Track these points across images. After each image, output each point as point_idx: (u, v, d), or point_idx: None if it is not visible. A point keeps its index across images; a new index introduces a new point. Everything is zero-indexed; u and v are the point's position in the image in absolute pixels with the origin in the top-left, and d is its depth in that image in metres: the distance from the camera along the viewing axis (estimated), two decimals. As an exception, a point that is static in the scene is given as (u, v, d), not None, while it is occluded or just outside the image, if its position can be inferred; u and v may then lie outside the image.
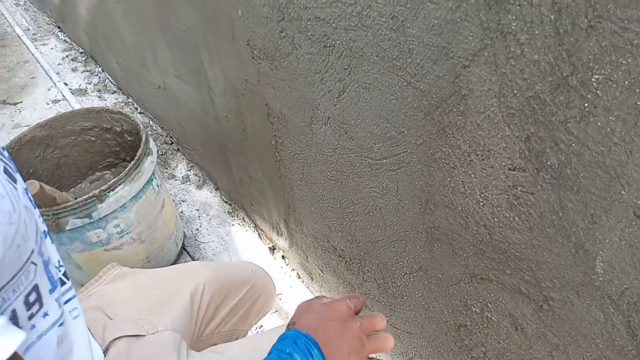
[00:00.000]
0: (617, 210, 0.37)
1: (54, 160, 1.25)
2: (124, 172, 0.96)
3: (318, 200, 0.87)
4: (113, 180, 0.95)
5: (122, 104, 2.12)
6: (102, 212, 0.96)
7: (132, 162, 0.98)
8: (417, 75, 0.48)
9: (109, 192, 0.95)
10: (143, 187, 1.02)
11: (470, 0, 0.39)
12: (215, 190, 1.58)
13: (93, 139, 1.25)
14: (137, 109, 2.04)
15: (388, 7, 0.47)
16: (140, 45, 1.43)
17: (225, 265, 0.85)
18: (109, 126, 1.23)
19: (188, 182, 1.62)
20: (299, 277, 1.29)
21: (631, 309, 0.41)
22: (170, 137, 1.78)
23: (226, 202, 1.54)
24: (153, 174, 1.07)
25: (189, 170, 1.68)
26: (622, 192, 0.36)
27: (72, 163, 1.29)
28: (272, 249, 1.37)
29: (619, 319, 0.42)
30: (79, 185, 1.35)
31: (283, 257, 1.34)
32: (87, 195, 0.92)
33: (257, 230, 1.42)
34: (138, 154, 0.99)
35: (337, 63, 0.60)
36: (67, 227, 0.95)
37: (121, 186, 0.96)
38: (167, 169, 1.69)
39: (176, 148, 1.76)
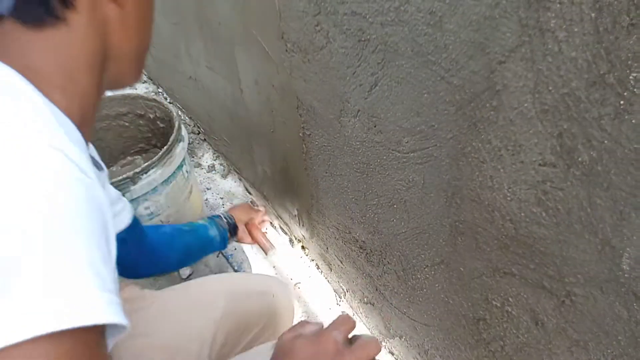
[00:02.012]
0: (647, 208, 0.38)
1: (88, 143, 1.30)
2: (157, 156, 1.00)
3: (342, 192, 0.89)
4: (146, 163, 0.99)
5: (153, 93, 2.18)
6: (135, 194, 1.00)
7: (165, 147, 1.02)
8: (452, 70, 0.50)
9: (142, 174, 0.99)
10: (174, 172, 1.06)
11: (510, -3, 0.40)
12: (239, 180, 1.62)
13: (127, 124, 1.30)
14: (166, 99, 2.09)
15: (426, 3, 0.48)
16: (174, 37, 1.47)
17: (244, 290, 0.83)
18: (142, 112, 1.27)
19: (213, 171, 1.67)
20: (318, 268, 1.31)
21: (656, 307, 0.41)
22: (198, 127, 1.83)
23: (249, 192, 1.57)
24: (183, 160, 1.11)
25: (215, 160, 1.72)
26: (653, 189, 0.37)
27: (106, 146, 1.34)
28: (292, 240, 1.39)
29: (642, 316, 0.43)
30: (111, 168, 1.40)
31: (303, 247, 1.36)
32: (121, 177, 0.96)
33: (278, 220, 1.45)
34: (171, 139, 1.03)
35: (371, 57, 0.61)
36: (101, 207, 0.99)
37: (154, 169, 1.00)
38: (193, 157, 1.74)
39: (203, 138, 1.81)
